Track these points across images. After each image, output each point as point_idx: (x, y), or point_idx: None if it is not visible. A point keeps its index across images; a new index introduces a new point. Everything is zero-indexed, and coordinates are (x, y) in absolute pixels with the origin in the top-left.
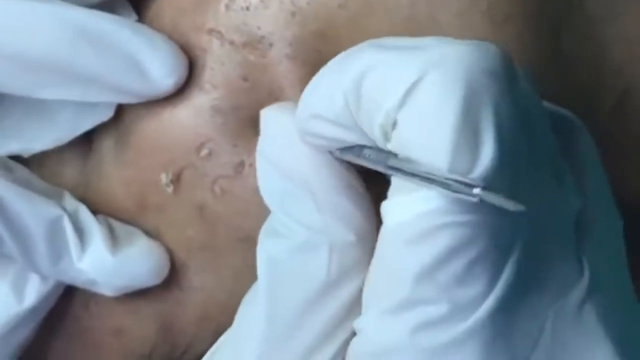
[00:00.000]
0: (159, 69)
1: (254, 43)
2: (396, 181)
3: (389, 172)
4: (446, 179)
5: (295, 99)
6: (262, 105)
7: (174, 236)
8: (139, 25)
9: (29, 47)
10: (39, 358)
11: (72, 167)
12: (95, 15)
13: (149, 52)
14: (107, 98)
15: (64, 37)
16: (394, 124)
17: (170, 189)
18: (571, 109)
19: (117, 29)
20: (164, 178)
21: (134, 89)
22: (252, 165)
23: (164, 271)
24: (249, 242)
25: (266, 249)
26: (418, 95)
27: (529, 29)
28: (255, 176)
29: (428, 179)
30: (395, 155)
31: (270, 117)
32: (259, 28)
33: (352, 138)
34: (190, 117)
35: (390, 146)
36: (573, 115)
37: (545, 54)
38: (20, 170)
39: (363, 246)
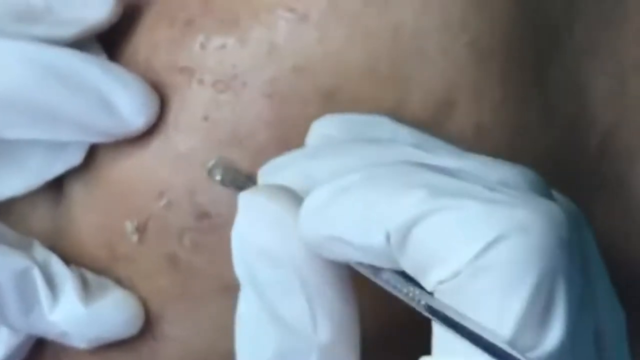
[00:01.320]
0: (129, 107)
1: (227, 81)
2: (442, 338)
3: (423, 311)
4: (498, 347)
5: (269, 139)
6: (223, 148)
7: (146, 286)
8: (109, 63)
9: (5, 86)
10: None
11: (42, 212)
12: (64, 53)
13: (119, 90)
14: (77, 137)
15: (32, 74)
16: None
17: (135, 238)
18: (557, 145)
19: (87, 66)
20: (129, 226)
21: (104, 128)
22: (222, 217)
23: (138, 322)
24: (230, 291)
25: (250, 352)
26: (494, 257)
27: (514, 62)
28: (228, 228)
29: (475, 337)
30: (430, 294)
31: (252, 201)
32: (234, 66)
33: (383, 265)
34: (152, 162)
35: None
36: (577, 208)
37: (529, 89)
38: None
39: (348, 346)
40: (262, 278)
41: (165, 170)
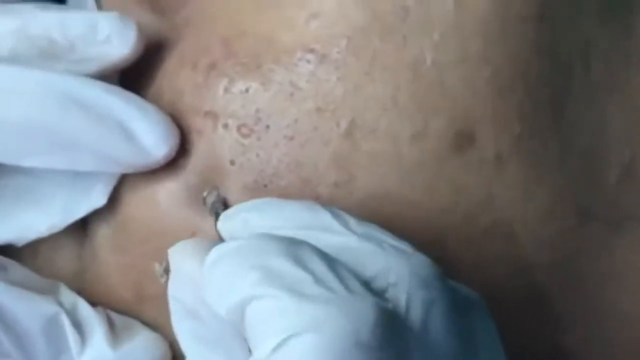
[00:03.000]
0: (151, 137)
1: (251, 125)
2: None
3: None
4: None
5: (292, 181)
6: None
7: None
8: (130, 94)
9: (15, 112)
10: None
11: (67, 254)
12: (85, 82)
13: (140, 119)
14: (96, 167)
15: (52, 101)
16: None
17: (164, 280)
18: (574, 180)
19: (108, 96)
20: (157, 267)
21: (124, 158)
22: None
23: None
24: None
25: None
26: (286, 354)
27: (532, 97)
28: None
29: None
30: None
31: (173, 259)
32: (257, 110)
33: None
34: (176, 207)
35: None
36: (475, 294)
37: (547, 123)
38: (14, 268)
39: None
40: (190, 334)
41: (196, 213)
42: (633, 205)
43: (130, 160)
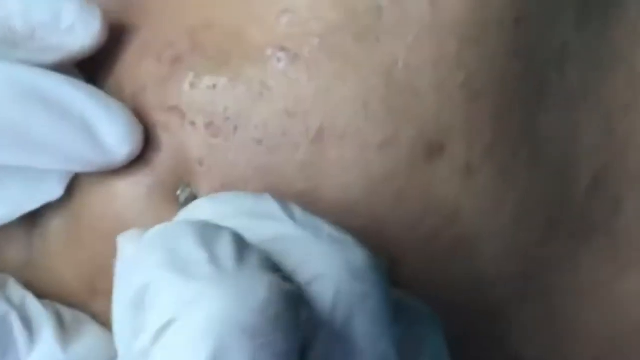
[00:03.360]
0: (114, 136)
1: (219, 125)
2: None
3: None
4: None
5: (260, 187)
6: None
7: None
8: (92, 88)
9: None
10: None
11: (17, 244)
12: (47, 75)
13: (103, 117)
14: (56, 165)
15: (11, 95)
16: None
17: None
18: (544, 190)
19: (70, 90)
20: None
21: (86, 157)
22: None
23: None
24: None
25: None
26: (168, 339)
27: (505, 103)
28: None
29: None
30: None
31: (126, 244)
32: (225, 109)
33: None
34: (140, 202)
35: None
36: (425, 308)
37: (519, 131)
38: None
39: None
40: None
41: (154, 211)
42: (601, 217)
43: (92, 159)
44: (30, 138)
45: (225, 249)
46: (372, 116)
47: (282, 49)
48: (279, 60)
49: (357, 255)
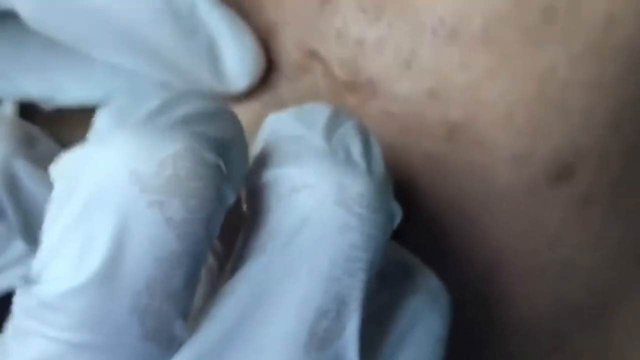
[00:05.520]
0: (236, 66)
1: (358, 85)
2: None
3: None
4: None
5: None
6: None
7: None
8: (229, 12)
9: (103, 2)
10: None
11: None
12: None
13: (231, 44)
14: (166, 76)
15: (145, 3)
16: None
17: None
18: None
19: (206, 9)
20: None
21: (201, 79)
22: None
23: None
24: None
25: None
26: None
27: (637, 137)
28: None
29: None
30: None
31: None
32: (368, 70)
33: None
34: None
35: None
36: (434, 282)
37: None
38: (42, 144)
39: None
40: None
41: None
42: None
43: (207, 83)
44: (151, 47)
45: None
46: (514, 125)
47: (441, 21)
48: (434, 33)
49: (357, 187)
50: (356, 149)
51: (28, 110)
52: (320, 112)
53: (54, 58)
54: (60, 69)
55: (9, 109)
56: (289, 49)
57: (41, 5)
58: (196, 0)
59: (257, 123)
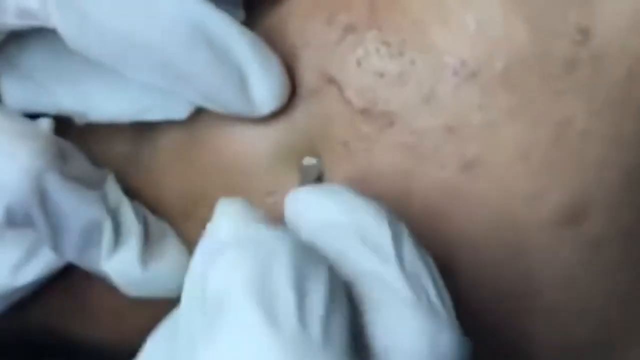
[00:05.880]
0: (263, 92)
1: (376, 115)
2: None
3: None
4: None
5: (391, 190)
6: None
7: None
8: (257, 38)
9: (141, 28)
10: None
11: (124, 141)
12: (216, 16)
13: (258, 71)
14: (196, 100)
15: (180, 30)
16: None
17: None
18: None
19: (235, 35)
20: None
21: (229, 103)
22: None
23: None
24: None
25: None
26: None
27: None
28: None
29: None
30: None
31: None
32: (386, 101)
33: None
34: (261, 155)
35: None
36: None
37: None
38: (73, 158)
39: None
40: None
41: (283, 176)
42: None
43: (234, 107)
44: (183, 71)
45: (317, 303)
46: (530, 166)
47: (462, 62)
48: (455, 72)
49: (445, 339)
50: (428, 283)
51: (62, 125)
52: (379, 225)
53: (90, 73)
54: (96, 84)
55: (46, 124)
56: (307, 73)
57: (81, 30)
58: (228, 27)
59: (269, 145)
